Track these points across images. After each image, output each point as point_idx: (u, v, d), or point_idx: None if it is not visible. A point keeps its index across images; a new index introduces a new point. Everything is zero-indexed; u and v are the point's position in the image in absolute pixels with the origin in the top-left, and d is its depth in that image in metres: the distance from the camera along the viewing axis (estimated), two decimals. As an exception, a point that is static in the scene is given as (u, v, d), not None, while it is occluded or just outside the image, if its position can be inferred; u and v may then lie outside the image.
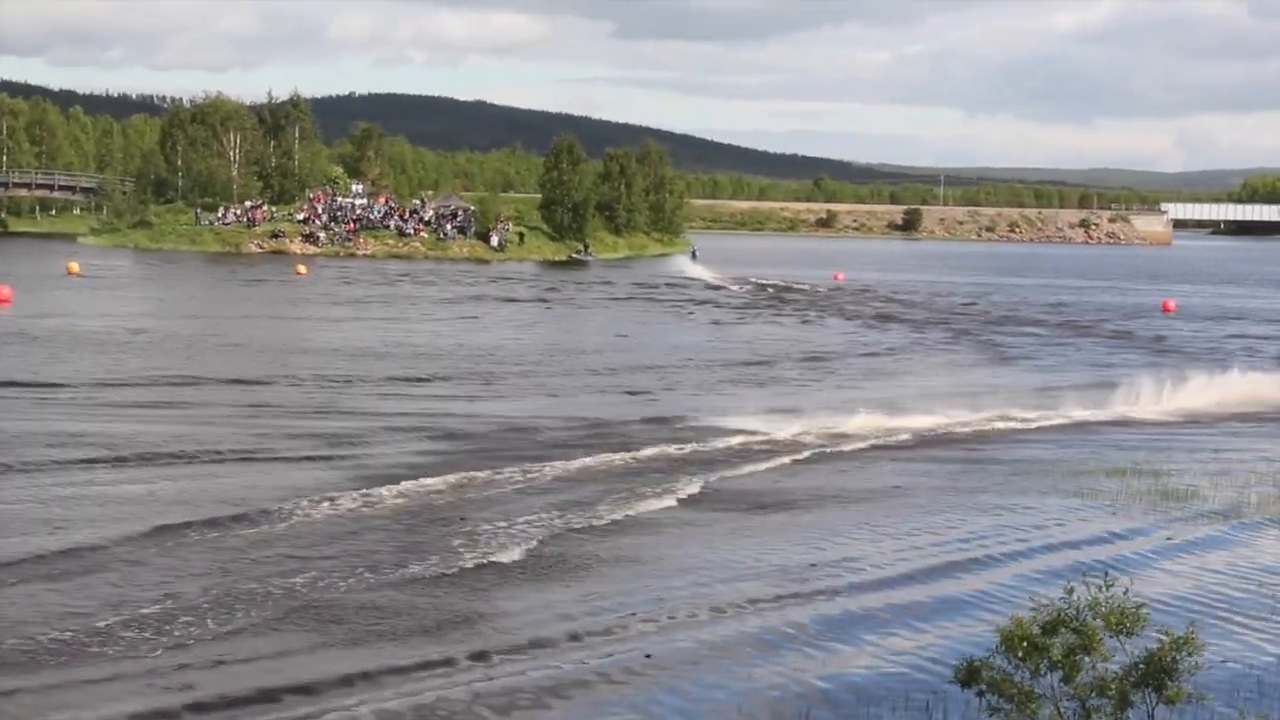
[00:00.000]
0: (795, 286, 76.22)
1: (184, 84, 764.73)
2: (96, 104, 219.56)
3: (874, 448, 25.83)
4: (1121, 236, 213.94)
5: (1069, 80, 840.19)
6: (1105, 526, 19.65)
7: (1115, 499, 21.45)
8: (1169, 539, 18.96)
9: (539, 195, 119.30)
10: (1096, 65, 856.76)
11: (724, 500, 20.76)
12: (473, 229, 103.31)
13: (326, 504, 19.20)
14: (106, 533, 17.21)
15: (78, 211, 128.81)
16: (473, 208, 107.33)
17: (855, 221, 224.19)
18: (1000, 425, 29.04)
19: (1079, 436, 28.10)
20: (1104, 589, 9.37)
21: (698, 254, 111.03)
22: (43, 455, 22.05)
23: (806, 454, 24.80)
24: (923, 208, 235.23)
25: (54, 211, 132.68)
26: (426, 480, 20.92)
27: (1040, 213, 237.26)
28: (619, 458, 23.56)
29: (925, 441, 26.72)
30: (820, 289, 74.83)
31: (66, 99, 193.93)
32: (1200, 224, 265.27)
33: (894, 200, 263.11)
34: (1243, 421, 30.79)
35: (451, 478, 21.18)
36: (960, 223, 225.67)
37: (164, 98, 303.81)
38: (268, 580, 15.44)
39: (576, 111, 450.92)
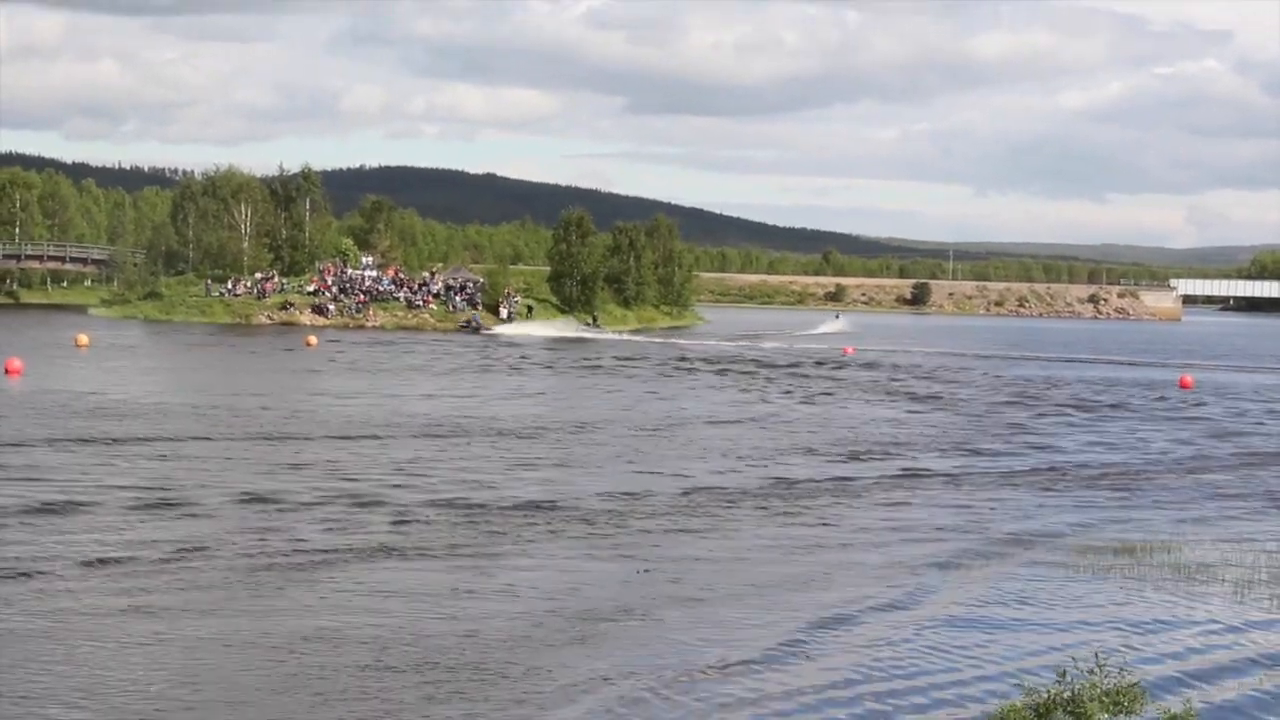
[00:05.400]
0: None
1: (196, 157, 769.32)
2: (109, 177, 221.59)
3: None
4: (1130, 312, 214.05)
5: (1079, 157, 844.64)
6: (1109, 602, 19.56)
7: (1121, 574, 21.36)
8: (1173, 616, 18.87)
9: (547, 268, 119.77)
10: (1106, 142, 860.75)
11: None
12: (481, 301, 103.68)
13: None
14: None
15: (89, 283, 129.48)
16: (482, 280, 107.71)
17: (864, 295, 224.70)
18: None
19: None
20: (1098, 669, 9.33)
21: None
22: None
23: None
24: (932, 282, 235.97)
25: (65, 283, 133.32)
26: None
27: (1049, 288, 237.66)
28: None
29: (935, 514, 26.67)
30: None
31: (80, 172, 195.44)
32: (1210, 300, 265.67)
33: (903, 274, 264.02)
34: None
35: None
36: (969, 297, 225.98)
37: (176, 170, 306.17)
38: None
39: (587, 185, 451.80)
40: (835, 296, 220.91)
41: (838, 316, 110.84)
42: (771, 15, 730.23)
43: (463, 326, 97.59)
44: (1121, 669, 9.50)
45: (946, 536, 24.55)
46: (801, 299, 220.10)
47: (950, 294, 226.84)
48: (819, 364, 73.97)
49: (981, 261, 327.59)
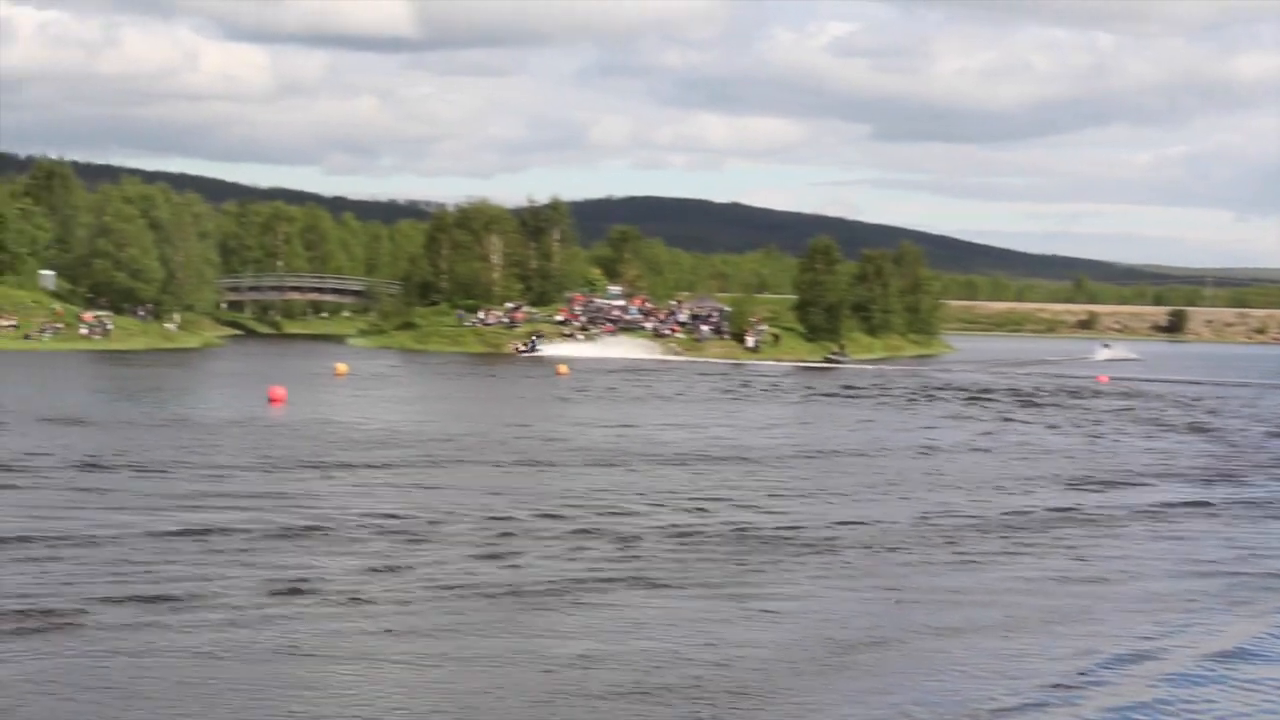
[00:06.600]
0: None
1: (450, 189, 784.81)
2: (366, 210, 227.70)
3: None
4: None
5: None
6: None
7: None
8: None
9: (793, 296, 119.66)
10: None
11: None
12: (728, 330, 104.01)
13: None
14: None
15: (346, 314, 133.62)
16: (727, 308, 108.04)
17: (1117, 323, 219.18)
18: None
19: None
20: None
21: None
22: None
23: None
24: (1189, 309, 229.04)
25: (325, 314, 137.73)
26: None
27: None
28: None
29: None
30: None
31: (338, 205, 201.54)
32: None
33: (1158, 301, 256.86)
34: None
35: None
36: (1229, 324, 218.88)
37: (430, 203, 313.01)
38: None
39: (832, 213, 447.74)
40: (1087, 324, 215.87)
41: (1108, 345, 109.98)
42: (1019, 40, 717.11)
43: (521, 349, 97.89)
44: None
45: (1214, 571, 23.71)
46: (1051, 327, 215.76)
47: (1208, 321, 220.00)
48: (1072, 393, 72.34)
49: (1241, 288, 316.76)
